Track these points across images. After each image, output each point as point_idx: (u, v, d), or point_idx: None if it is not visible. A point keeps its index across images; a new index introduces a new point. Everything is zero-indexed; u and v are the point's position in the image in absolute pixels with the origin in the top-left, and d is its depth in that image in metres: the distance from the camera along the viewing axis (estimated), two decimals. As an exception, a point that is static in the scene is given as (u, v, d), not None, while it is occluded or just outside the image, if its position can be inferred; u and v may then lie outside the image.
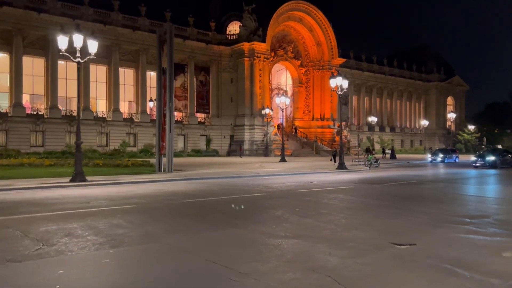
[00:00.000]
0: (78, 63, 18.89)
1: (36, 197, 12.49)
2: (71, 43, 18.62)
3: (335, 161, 33.52)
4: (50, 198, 12.29)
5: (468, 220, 8.80)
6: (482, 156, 32.07)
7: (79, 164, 18.39)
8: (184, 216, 9.16)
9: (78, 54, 18.67)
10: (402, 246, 6.69)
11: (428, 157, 43.89)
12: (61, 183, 17.50)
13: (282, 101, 42.21)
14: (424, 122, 66.81)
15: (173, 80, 24.78)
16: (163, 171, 24.15)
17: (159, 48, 25.19)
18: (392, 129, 77.50)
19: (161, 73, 24.74)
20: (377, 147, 71.12)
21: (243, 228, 7.77)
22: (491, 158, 30.79)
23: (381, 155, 52.53)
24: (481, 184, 18.09)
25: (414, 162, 42.52)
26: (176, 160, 40.72)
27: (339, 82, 29.41)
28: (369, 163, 32.88)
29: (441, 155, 42.12)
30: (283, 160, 39.76)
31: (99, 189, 15.43)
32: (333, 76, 29.82)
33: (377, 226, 8.21)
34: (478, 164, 31.13)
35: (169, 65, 24.42)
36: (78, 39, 18.61)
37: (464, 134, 75.24)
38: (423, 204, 11.23)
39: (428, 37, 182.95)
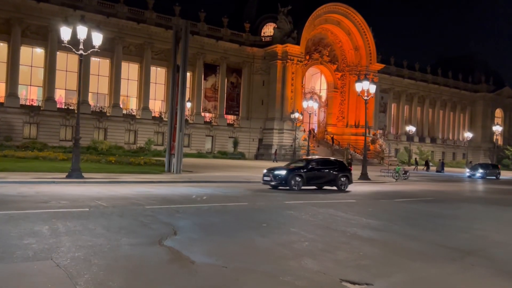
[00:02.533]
0: (81, 55, 18.32)
1: (7, 193, 11.83)
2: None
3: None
4: (20, 195, 11.59)
5: (458, 255, 7.07)
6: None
7: (76, 160, 17.89)
8: (120, 228, 8.00)
9: (81, 47, 18.12)
10: (357, 286, 5.21)
11: (467, 171, 40.62)
12: (56, 178, 17.04)
13: (310, 105, 40.62)
14: (468, 135, 62.55)
15: (185, 78, 24.03)
16: (172, 172, 23.33)
17: (174, 45, 24.48)
18: (433, 140, 73.41)
19: (175, 71, 24.00)
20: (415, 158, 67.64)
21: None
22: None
23: (421, 167, 49.56)
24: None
25: (451, 176, 39.57)
26: (198, 161, 40.61)
27: (366, 87, 27.55)
28: (397, 175, 30.65)
29: (480, 171, 38.84)
30: (308, 167, 38.04)
31: (87, 188, 14.71)
32: (359, 80, 27.96)
33: (342, 253, 6.71)
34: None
35: (182, 63, 23.67)
36: (82, 31, 18.04)
37: (512, 149, 70.00)
38: (416, 228, 9.49)
39: (477, 45, 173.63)
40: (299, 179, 16.87)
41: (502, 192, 23.24)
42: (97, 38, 18.75)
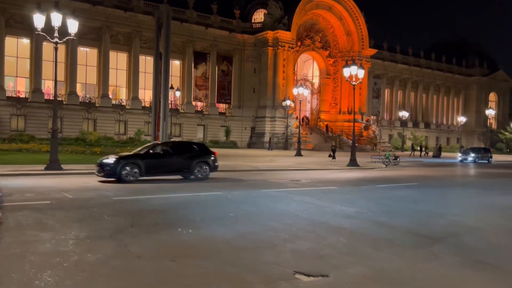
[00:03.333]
0: (56, 43, 17.73)
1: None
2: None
3: (333, 158, 30.78)
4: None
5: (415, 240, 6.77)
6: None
7: (54, 151, 17.45)
8: (74, 221, 7.65)
9: (56, 34, 17.50)
10: (311, 278, 4.90)
11: (458, 156, 40.40)
12: (34, 170, 16.66)
13: (300, 92, 40.09)
14: (461, 119, 62.27)
15: (168, 66, 23.44)
16: (157, 161, 22.92)
17: (156, 31, 23.87)
18: (427, 125, 73.17)
19: (158, 58, 23.46)
20: (409, 143, 67.42)
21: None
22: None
23: (412, 152, 49.17)
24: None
25: (443, 161, 39.34)
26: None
27: (354, 72, 27.09)
28: (387, 160, 30.38)
29: (472, 155, 38.65)
30: (299, 154, 37.92)
31: (62, 179, 14.33)
32: (347, 65, 27.46)
33: (304, 243, 6.39)
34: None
35: (165, 50, 23.09)
36: (57, 18, 17.45)
37: (506, 133, 69.84)
38: (392, 214, 9.18)
39: (471, 29, 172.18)
40: (135, 169, 13.58)
41: (489, 176, 23.01)
42: (73, 26, 18.12)
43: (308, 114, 63.88)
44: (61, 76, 45.37)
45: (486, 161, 39.23)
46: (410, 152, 49.91)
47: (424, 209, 10.09)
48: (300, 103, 41.47)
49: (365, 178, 18.05)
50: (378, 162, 30.70)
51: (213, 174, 16.05)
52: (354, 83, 27.39)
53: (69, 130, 42.92)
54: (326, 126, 59.58)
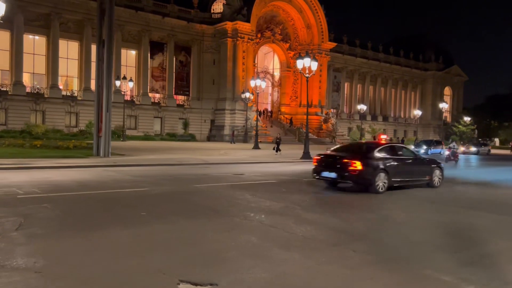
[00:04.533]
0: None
1: None
2: None
3: (277, 151, 30.23)
4: None
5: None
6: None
7: (-23, 144, 16.00)
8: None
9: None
10: (198, 287, 4.29)
11: (412, 148, 41.16)
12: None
13: (258, 84, 39.54)
14: (417, 112, 63.87)
15: (112, 54, 22.25)
16: (100, 155, 21.77)
17: (99, 18, 22.53)
18: (385, 118, 74.64)
19: (101, 46, 22.16)
20: (368, 136, 68.58)
21: None
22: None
23: None
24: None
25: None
26: (142, 143, 38.92)
27: (307, 64, 26.79)
28: (341, 153, 30.42)
29: (424, 147, 39.48)
30: (256, 147, 37.57)
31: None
32: (300, 57, 27.14)
33: (208, 245, 5.79)
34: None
35: (108, 36, 21.88)
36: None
37: (460, 126, 72.31)
38: (323, 209, 8.74)
39: (430, 25, 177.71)
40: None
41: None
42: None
43: (269, 107, 63.61)
44: (5, 65, 42.84)
45: (438, 152, 40.21)
46: None
47: (358, 204, 9.73)
48: (258, 95, 40.96)
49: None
50: (333, 155, 30.69)
51: (155, 168, 15.17)
52: (307, 75, 27.10)
53: (14, 122, 40.55)
54: (291, 119, 59.30)
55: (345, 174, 11.06)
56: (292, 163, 23.70)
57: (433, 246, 6.22)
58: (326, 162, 11.74)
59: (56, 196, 9.07)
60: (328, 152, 13.00)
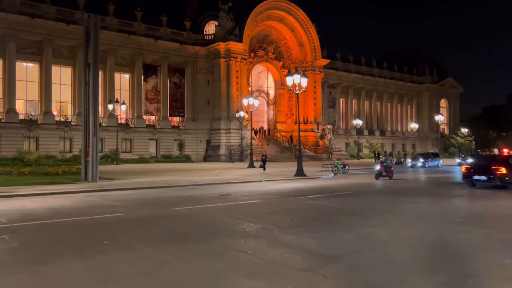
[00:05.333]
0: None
1: None
2: None
3: (264, 169, 29.62)
4: None
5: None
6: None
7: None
8: None
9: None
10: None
11: (409, 162, 40.80)
12: None
13: (251, 102, 39.39)
14: (414, 126, 63.64)
15: (97, 77, 22.08)
16: (89, 180, 21.37)
17: (85, 42, 22.45)
18: (382, 132, 74.35)
19: (86, 69, 22.00)
20: (366, 151, 68.19)
21: None
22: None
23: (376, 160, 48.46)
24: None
25: (395, 167, 39.39)
26: (135, 166, 38.53)
27: (297, 80, 26.60)
28: (336, 169, 29.99)
29: (421, 160, 39.07)
30: (251, 166, 37.18)
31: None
32: (289, 74, 26.98)
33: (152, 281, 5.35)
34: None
35: (93, 60, 21.73)
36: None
37: (458, 138, 71.96)
38: (301, 230, 8.31)
39: (421, 38, 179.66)
40: None
41: (431, 182, 22.91)
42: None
43: (265, 125, 63.44)
44: (-2, 93, 42.84)
45: (435, 164, 39.79)
46: (375, 160, 48.88)
47: (339, 221, 9.31)
48: (251, 114, 40.77)
49: (302, 189, 17.29)
50: (328, 171, 30.24)
51: (141, 191, 14.77)
52: (297, 91, 26.89)
53: (7, 150, 40.20)
54: (290, 136, 58.68)
55: (493, 176, 16.27)
56: (284, 181, 23.26)
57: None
58: (475, 169, 17.04)
59: (21, 226, 8.64)
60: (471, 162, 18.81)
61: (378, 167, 24.13)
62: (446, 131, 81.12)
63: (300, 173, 26.29)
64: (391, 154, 55.80)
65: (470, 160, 38.72)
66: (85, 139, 22.07)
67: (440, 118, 56.29)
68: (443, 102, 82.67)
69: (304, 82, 26.81)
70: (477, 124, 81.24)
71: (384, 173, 23.37)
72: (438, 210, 11.50)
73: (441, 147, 75.38)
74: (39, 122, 43.49)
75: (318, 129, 60.77)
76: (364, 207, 11.75)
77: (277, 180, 23.79)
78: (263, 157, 31.12)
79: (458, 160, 42.97)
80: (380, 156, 51.36)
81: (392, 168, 24.09)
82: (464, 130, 71.46)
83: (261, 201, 12.98)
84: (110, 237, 7.48)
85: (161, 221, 9.24)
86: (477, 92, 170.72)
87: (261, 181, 22.85)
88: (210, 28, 56.39)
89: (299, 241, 7.31)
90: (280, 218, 9.66)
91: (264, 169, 29.62)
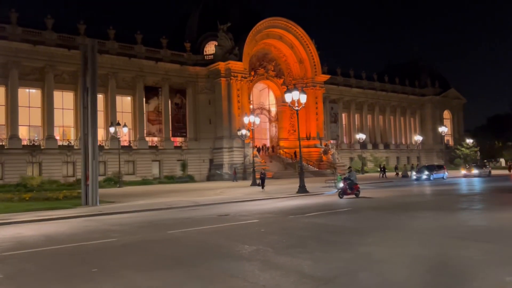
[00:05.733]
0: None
1: None
2: None
3: (262, 187, 29.08)
4: None
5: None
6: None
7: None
8: None
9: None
10: None
11: (413, 175, 40.31)
12: None
13: (252, 120, 39.35)
14: (418, 138, 63.28)
15: (96, 100, 22.14)
16: (89, 204, 21.23)
17: (83, 66, 22.63)
18: (386, 146, 73.96)
19: (85, 93, 22.12)
20: (371, 165, 67.73)
21: None
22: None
23: (382, 174, 47.97)
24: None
25: (397, 182, 39.02)
26: (138, 188, 38.35)
27: (296, 97, 26.58)
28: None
29: (426, 172, 38.61)
30: (254, 184, 36.86)
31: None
32: (288, 90, 27.02)
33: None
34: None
35: (91, 84, 21.85)
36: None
37: (463, 149, 71.41)
38: (296, 250, 8.07)
39: (421, 51, 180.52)
40: None
41: (434, 194, 22.56)
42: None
43: (268, 142, 63.36)
44: (1, 119, 43.16)
45: (441, 177, 39.29)
46: (380, 174, 48.43)
47: (337, 240, 9.06)
48: (253, 131, 40.73)
49: (302, 206, 17.04)
50: (331, 187, 29.87)
51: (139, 214, 14.57)
52: (297, 108, 26.83)
53: (11, 176, 40.26)
54: (294, 152, 58.33)
55: None
56: (286, 198, 22.97)
57: None
58: None
59: (11, 255, 8.47)
60: None
61: (341, 184, 21.06)
62: (451, 143, 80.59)
63: (302, 190, 26.02)
64: (396, 167, 55.52)
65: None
66: (84, 163, 22.04)
67: (443, 129, 55.89)
68: (447, 114, 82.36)
69: (303, 98, 26.79)
70: (482, 134, 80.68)
71: (349, 191, 20.84)
72: (440, 225, 11.22)
73: (446, 158, 74.68)
74: (42, 147, 43.63)
75: (321, 144, 60.57)
76: (363, 224, 11.50)
77: (279, 198, 23.51)
78: (262, 175, 30.53)
79: (463, 172, 42.55)
80: (386, 170, 50.87)
81: (358, 185, 21.53)
82: (469, 141, 70.93)
83: (259, 220, 12.75)
84: (100, 264, 7.29)
85: (154, 246, 9.03)
86: (481, 102, 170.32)
87: (262, 199, 22.60)
88: (210, 48, 56.95)
89: (293, 262, 7.09)
90: (276, 238, 9.44)
91: (263, 187, 29.11)
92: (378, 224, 11.39)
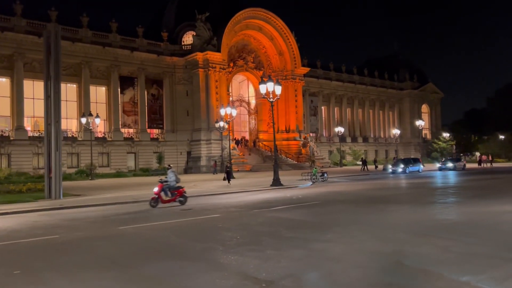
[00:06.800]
0: None
1: None
2: None
3: (228, 181, 27.96)
4: None
5: None
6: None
7: None
8: None
9: None
10: None
11: (389, 168, 40.39)
12: None
13: (228, 112, 38.68)
14: (396, 131, 63.60)
15: (59, 89, 21.17)
16: (52, 197, 20.32)
17: (46, 53, 21.55)
18: (365, 139, 74.24)
19: (49, 81, 21.08)
20: (349, 158, 67.95)
21: None
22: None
23: (363, 167, 47.74)
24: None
25: (374, 175, 38.98)
26: (110, 181, 37.29)
27: (271, 88, 26.02)
28: (314, 177, 29.38)
29: (402, 166, 38.69)
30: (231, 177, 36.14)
31: None
32: (262, 82, 26.42)
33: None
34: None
35: (55, 72, 20.84)
36: None
37: (440, 142, 72.22)
38: (247, 248, 7.55)
39: (401, 45, 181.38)
40: None
41: (407, 187, 22.40)
42: None
43: (247, 134, 62.76)
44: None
45: (416, 170, 39.45)
46: (362, 167, 48.19)
47: (294, 236, 8.58)
48: (230, 123, 40.05)
49: (271, 200, 16.56)
50: (307, 180, 29.57)
51: (100, 208, 13.79)
52: (271, 99, 26.28)
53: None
54: (275, 146, 57.29)
55: None
56: (258, 191, 22.48)
57: None
58: None
59: None
60: None
61: (156, 189, 15.73)
62: (429, 136, 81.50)
63: (276, 182, 25.61)
64: (375, 160, 55.46)
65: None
66: (48, 154, 21.09)
67: (420, 123, 56.32)
68: (425, 108, 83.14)
69: (278, 89, 26.23)
70: (459, 128, 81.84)
71: (165, 198, 15.63)
72: (405, 219, 10.86)
73: (424, 152, 75.56)
74: (11, 138, 42.08)
75: (300, 137, 60.30)
76: (327, 218, 11.06)
77: (251, 191, 23.01)
78: (227, 169, 29.03)
79: (438, 165, 42.87)
80: (367, 163, 50.55)
81: (182, 189, 16.10)
82: (446, 135, 71.78)
83: (220, 215, 12.18)
84: (26, 265, 6.62)
85: (97, 244, 8.38)
86: (459, 96, 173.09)
87: (233, 192, 22.06)
88: (188, 38, 55.82)
89: (240, 262, 6.55)
90: (231, 235, 8.89)
91: (229, 181, 27.95)
92: (343, 219, 10.97)
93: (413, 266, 6.09)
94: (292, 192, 20.88)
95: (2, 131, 42.51)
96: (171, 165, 18.72)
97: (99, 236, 9.28)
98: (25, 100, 43.31)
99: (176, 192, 16.02)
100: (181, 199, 15.93)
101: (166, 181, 16.26)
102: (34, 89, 45.11)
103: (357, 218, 10.99)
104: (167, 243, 8.21)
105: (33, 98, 45.12)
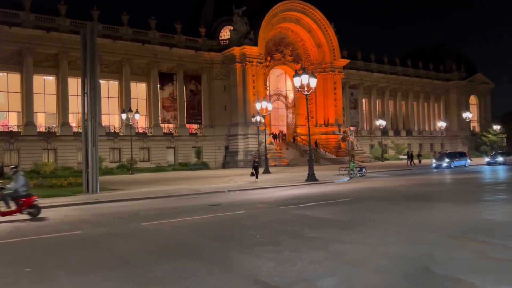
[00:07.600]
0: None
1: None
2: None
3: (256, 177, 26.63)
4: None
5: None
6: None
7: None
8: None
9: None
10: None
11: (433, 162, 38.52)
12: None
13: (264, 107, 38.31)
14: (441, 124, 60.76)
15: (97, 86, 21.73)
16: (89, 191, 20.89)
17: (83, 51, 22.12)
18: (409, 132, 71.54)
19: (86, 78, 21.64)
20: (392, 152, 65.75)
21: None
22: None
23: (409, 161, 46.09)
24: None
25: (416, 170, 37.34)
26: (150, 175, 38.13)
27: (305, 81, 25.39)
28: (352, 172, 28.52)
29: (447, 160, 36.79)
30: (266, 171, 36.12)
31: None
32: (297, 74, 25.79)
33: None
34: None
35: (91, 69, 21.37)
36: None
37: (489, 135, 68.33)
38: (267, 247, 7.18)
39: (447, 34, 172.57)
40: None
41: (451, 183, 21.14)
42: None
43: (285, 129, 62.22)
44: (17, 107, 43.59)
45: (463, 164, 37.43)
46: (407, 161, 46.50)
47: (316, 236, 8.12)
48: (266, 117, 39.61)
49: (302, 196, 16.09)
50: (344, 175, 28.74)
51: (133, 203, 13.91)
52: (306, 92, 25.66)
53: (26, 163, 40.63)
54: (315, 142, 56.36)
55: None
56: (292, 187, 22.06)
57: None
58: None
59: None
60: None
61: None
62: (477, 129, 77.37)
63: (311, 178, 25.02)
64: (411, 154, 52.82)
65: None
66: (85, 149, 21.69)
67: (468, 115, 53.40)
68: (473, 99, 78.90)
69: (313, 82, 25.56)
70: (511, 120, 77.06)
71: (3, 209, 12.12)
72: (442, 219, 10.09)
73: (471, 145, 71.80)
74: (57, 134, 43.93)
75: (339, 131, 58.99)
76: (355, 217, 10.48)
77: (285, 186, 22.63)
78: (255, 164, 27.26)
79: (487, 159, 40.45)
80: (413, 157, 48.22)
81: (32, 198, 12.32)
82: (496, 127, 67.75)
83: (246, 211, 11.89)
84: (39, 263, 6.63)
85: (115, 241, 8.33)
86: (511, 87, 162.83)
87: (266, 188, 21.75)
88: (226, 33, 55.90)
89: (253, 264, 6.22)
90: (251, 233, 8.57)
91: (257, 177, 26.59)
92: (372, 218, 10.35)
93: (440, 273, 5.51)
94: (326, 188, 20.27)
95: (49, 127, 44.49)
96: (18, 167, 13.79)
97: (120, 232, 9.26)
98: (69, 97, 45.03)
99: (22, 201, 12.07)
100: (30, 210, 12.08)
101: (4, 188, 12.49)
102: (78, 87, 46.74)
103: (388, 217, 10.34)
104: (184, 241, 8.02)
105: (77, 95, 46.57)
